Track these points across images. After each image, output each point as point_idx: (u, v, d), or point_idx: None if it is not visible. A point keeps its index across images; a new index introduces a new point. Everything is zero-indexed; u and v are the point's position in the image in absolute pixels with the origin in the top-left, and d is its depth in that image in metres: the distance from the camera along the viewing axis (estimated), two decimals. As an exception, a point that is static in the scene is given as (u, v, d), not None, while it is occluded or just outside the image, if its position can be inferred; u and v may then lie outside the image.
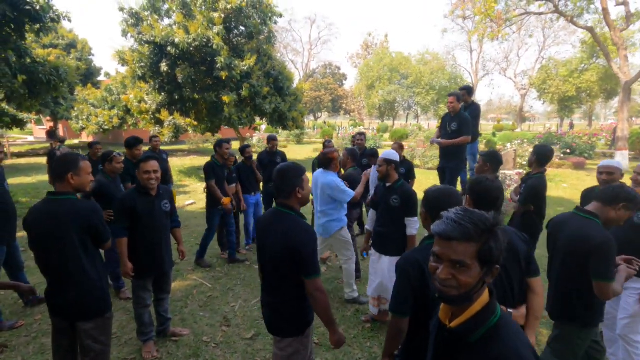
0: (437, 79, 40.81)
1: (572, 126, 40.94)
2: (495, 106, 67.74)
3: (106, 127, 16.00)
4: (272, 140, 5.78)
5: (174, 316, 3.59)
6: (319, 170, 3.80)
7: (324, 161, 3.71)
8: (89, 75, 19.54)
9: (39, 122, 23.47)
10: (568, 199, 8.72)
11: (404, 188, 3.03)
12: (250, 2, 10.58)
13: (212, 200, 4.73)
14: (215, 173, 4.68)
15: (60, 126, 21.64)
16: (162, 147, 6.36)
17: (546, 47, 39.61)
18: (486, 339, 0.94)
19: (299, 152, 19.29)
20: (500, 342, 0.91)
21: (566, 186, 10.11)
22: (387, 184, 3.13)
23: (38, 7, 6.59)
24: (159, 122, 11.30)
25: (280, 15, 11.86)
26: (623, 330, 2.51)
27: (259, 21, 11.79)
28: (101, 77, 20.99)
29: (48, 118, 20.19)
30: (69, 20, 7.70)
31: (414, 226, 3.00)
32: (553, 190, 9.65)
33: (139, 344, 3.10)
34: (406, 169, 5.31)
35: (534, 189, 3.46)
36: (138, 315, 2.98)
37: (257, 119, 13.78)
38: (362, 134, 5.93)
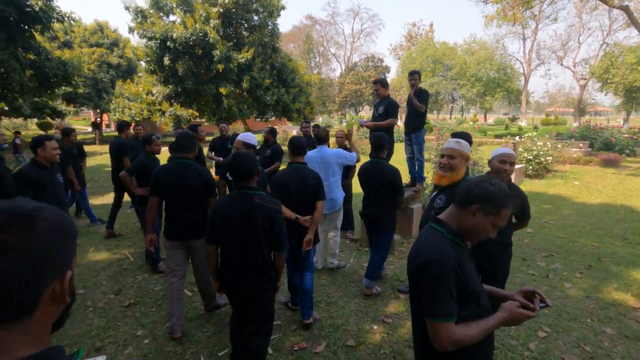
0: (484, 70, 38.49)
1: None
2: (554, 99, 61.76)
3: (137, 119, 17.41)
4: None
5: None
6: (317, 148, 4.00)
7: (324, 136, 4.04)
8: (130, 71, 21.33)
9: (76, 114, 26.14)
10: (565, 196, 7.90)
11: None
12: (248, -5, 10.87)
13: None
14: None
15: (105, 117, 23.91)
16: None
17: (612, 32, 35.11)
18: None
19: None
20: None
21: (577, 184, 9.12)
22: None
23: (37, 9, 7.42)
24: (164, 113, 12.13)
25: (283, 8, 12.02)
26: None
27: (266, 14, 12.08)
28: (141, 73, 22.79)
29: (98, 110, 22.51)
30: (73, 20, 8.52)
31: None
32: (558, 188, 8.79)
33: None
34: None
35: None
36: None
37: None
38: (307, 122, 5.97)
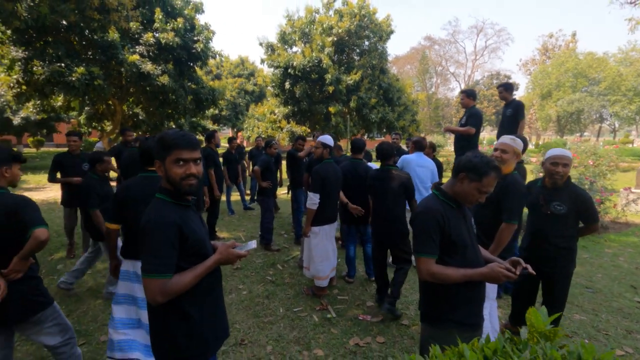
0: (647, 82, 31.73)
1: None
2: None
3: (263, 136, 20.35)
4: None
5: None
6: (416, 154, 4.49)
7: (424, 145, 4.60)
8: (261, 97, 25.10)
9: (219, 132, 31.49)
10: None
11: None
12: (359, 24, 11.94)
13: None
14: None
15: (239, 135, 28.41)
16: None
17: None
18: None
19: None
20: None
21: None
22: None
23: (199, 50, 9.84)
24: (282, 130, 14.02)
25: (392, 32, 12.72)
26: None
27: (377, 38, 13.02)
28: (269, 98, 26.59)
29: (234, 129, 27.05)
30: (220, 56, 10.91)
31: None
32: None
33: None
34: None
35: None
36: None
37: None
38: (397, 134, 6.39)
